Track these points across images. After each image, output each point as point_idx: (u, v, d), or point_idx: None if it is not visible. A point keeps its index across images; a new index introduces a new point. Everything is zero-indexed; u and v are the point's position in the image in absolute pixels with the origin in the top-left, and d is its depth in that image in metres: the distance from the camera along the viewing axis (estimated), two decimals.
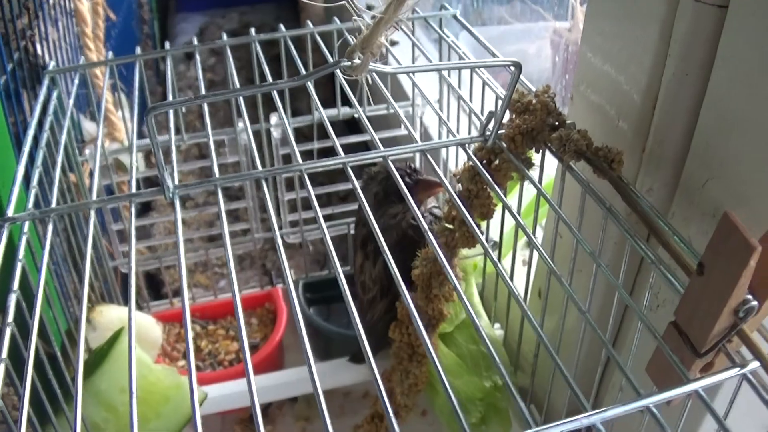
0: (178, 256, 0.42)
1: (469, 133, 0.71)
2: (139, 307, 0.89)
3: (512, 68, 0.47)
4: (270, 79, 0.63)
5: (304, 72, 0.45)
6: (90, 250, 0.45)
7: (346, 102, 0.73)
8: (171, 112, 0.58)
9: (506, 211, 0.48)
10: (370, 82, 0.45)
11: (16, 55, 0.79)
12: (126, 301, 0.41)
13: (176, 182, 0.47)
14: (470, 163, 0.51)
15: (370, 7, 0.39)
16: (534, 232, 0.50)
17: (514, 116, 0.49)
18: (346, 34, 0.70)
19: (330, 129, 0.54)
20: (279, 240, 0.42)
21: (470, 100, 0.67)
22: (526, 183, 0.49)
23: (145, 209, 1.40)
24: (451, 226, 0.55)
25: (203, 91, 0.59)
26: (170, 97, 0.62)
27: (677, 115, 0.44)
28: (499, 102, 0.57)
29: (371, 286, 0.70)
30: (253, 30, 0.73)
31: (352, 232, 0.79)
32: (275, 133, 0.83)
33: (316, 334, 0.81)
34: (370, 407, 0.72)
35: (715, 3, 0.39)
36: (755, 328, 0.33)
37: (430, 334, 0.62)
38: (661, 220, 0.40)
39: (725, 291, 0.30)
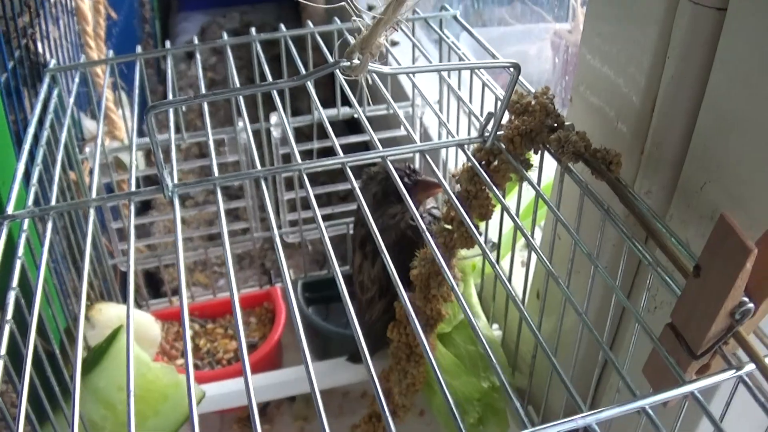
0: (176, 255, 0.42)
1: (469, 134, 0.71)
2: (138, 306, 0.90)
3: (511, 69, 0.47)
4: (270, 78, 0.63)
5: (304, 72, 0.45)
6: (89, 248, 0.45)
7: (346, 102, 0.73)
8: (171, 111, 0.58)
9: (505, 212, 0.48)
10: (370, 82, 0.45)
11: (17, 53, 0.79)
12: (125, 300, 0.41)
13: (176, 181, 0.47)
14: (469, 163, 0.51)
15: (371, 8, 0.39)
16: (532, 234, 0.50)
17: (513, 117, 0.49)
18: (347, 34, 0.71)
19: (329, 129, 0.54)
20: (277, 239, 0.42)
21: (470, 101, 0.67)
22: (525, 184, 0.49)
23: (145, 208, 1.40)
24: (449, 227, 0.55)
25: (204, 90, 0.59)
26: (170, 96, 0.63)
27: (676, 117, 0.44)
28: (499, 103, 0.57)
29: (370, 286, 0.70)
30: (253, 30, 0.73)
31: (352, 232, 0.80)
32: (275, 133, 0.83)
33: (314, 333, 0.81)
34: (368, 407, 0.72)
35: (713, 5, 0.39)
36: (751, 331, 0.33)
37: (428, 334, 0.62)
38: (658, 222, 0.40)
39: (722, 293, 0.30)
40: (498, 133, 0.50)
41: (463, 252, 0.66)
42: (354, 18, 0.40)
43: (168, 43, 0.72)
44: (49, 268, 0.62)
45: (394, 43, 1.16)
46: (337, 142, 0.51)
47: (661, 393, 0.32)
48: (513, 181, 0.53)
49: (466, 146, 0.51)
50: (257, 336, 0.86)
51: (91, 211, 0.47)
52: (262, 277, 0.98)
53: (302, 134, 0.89)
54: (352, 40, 0.41)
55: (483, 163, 0.51)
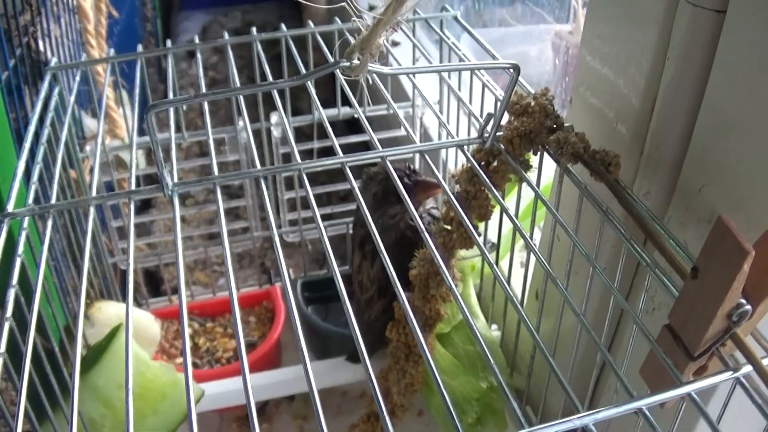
0: (176, 254, 0.42)
1: (469, 134, 0.71)
2: (138, 304, 0.90)
3: (511, 71, 0.47)
4: (271, 78, 0.63)
5: (304, 72, 0.45)
6: (89, 246, 0.45)
7: (346, 102, 0.73)
8: (172, 110, 0.59)
9: (504, 213, 0.48)
10: (370, 82, 0.45)
11: (18, 51, 0.79)
12: (125, 298, 0.41)
13: (176, 180, 0.47)
14: (468, 164, 0.51)
15: (371, 8, 0.40)
16: (532, 235, 0.50)
17: (512, 118, 0.49)
18: (347, 34, 0.71)
19: (329, 129, 0.54)
20: (276, 239, 0.42)
21: (470, 101, 0.67)
22: (525, 185, 0.49)
23: (145, 206, 1.40)
24: (448, 227, 0.55)
25: (204, 90, 0.59)
26: (171, 95, 0.63)
27: (675, 119, 0.44)
28: (498, 104, 0.57)
29: (369, 286, 0.70)
30: (254, 29, 0.73)
31: (351, 231, 0.80)
32: (275, 132, 0.83)
33: (313, 333, 0.81)
34: (367, 407, 0.72)
35: (713, 7, 0.39)
36: (749, 332, 0.33)
37: (426, 334, 0.62)
38: (657, 223, 0.40)
39: (719, 295, 0.30)
40: (497, 134, 0.50)
41: (463, 252, 0.66)
42: (354, 18, 0.40)
43: (169, 42, 0.73)
44: (49, 266, 0.62)
45: (395, 44, 1.16)
46: (336, 142, 0.52)
47: (659, 394, 0.32)
48: (512, 182, 0.53)
49: (465, 147, 0.51)
50: (256, 335, 0.87)
51: (91, 210, 0.47)
52: (262, 277, 0.98)
53: (302, 134, 0.90)
54: (352, 40, 0.41)
55: (482, 163, 0.52)
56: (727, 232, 0.29)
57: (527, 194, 0.62)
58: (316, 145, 0.84)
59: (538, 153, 0.49)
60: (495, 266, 0.42)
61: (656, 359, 0.35)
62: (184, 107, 0.90)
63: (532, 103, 0.48)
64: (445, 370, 0.66)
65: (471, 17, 1.26)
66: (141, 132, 1.03)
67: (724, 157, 0.41)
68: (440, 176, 0.49)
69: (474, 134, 0.52)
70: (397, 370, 0.64)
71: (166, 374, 0.60)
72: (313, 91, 0.60)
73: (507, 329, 0.69)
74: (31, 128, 0.57)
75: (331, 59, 0.59)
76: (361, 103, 0.64)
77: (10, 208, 0.47)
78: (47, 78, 0.65)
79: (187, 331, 0.38)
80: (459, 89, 0.69)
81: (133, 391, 0.35)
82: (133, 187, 0.50)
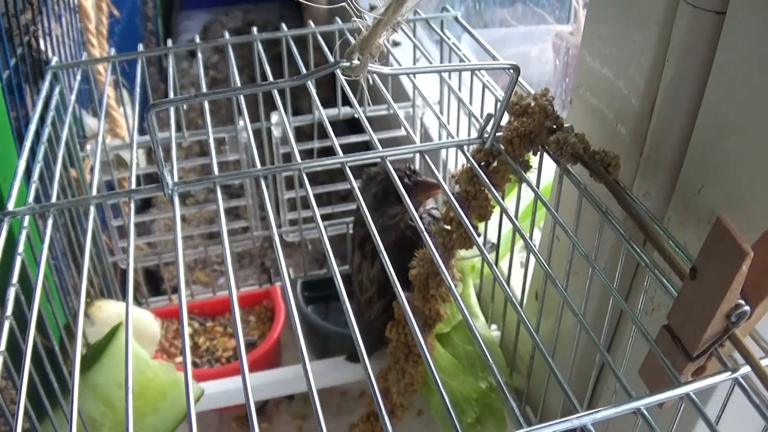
0: (176, 253, 0.42)
1: (469, 135, 0.71)
2: (138, 303, 0.90)
3: (511, 71, 0.47)
4: (271, 78, 0.63)
5: (305, 71, 0.45)
6: (89, 245, 0.45)
7: (346, 102, 0.73)
8: (172, 110, 0.59)
9: (504, 213, 0.48)
10: (370, 82, 0.46)
11: (19, 50, 0.80)
12: (125, 297, 0.41)
13: (176, 179, 0.47)
14: (468, 164, 0.51)
15: (372, 8, 0.40)
16: (531, 235, 0.50)
17: (512, 119, 0.49)
18: (347, 34, 0.71)
19: (329, 129, 0.54)
20: (276, 238, 0.43)
21: (470, 102, 0.67)
22: (525, 185, 0.49)
23: (145, 205, 1.40)
24: (448, 227, 0.55)
25: (205, 89, 0.59)
26: (172, 95, 0.63)
27: (675, 120, 0.44)
28: (498, 104, 0.57)
29: (369, 286, 0.70)
30: (255, 29, 0.73)
31: (351, 231, 0.80)
32: (276, 132, 0.83)
33: (313, 332, 0.82)
34: (366, 406, 0.72)
35: (713, 9, 0.39)
36: (747, 333, 0.33)
37: (426, 334, 0.62)
38: (656, 224, 0.40)
39: (718, 295, 0.31)
40: (497, 134, 0.50)
41: (463, 253, 0.66)
42: (354, 18, 0.40)
43: (170, 42, 0.73)
44: (49, 264, 0.62)
45: (395, 44, 1.16)
46: (337, 142, 0.52)
47: (657, 394, 0.32)
48: (512, 183, 0.53)
49: (465, 147, 0.51)
50: (256, 334, 0.87)
51: (92, 209, 0.47)
52: (262, 276, 0.98)
53: (303, 134, 0.90)
54: (352, 40, 0.41)
55: (482, 164, 0.52)
56: (725, 233, 0.29)
57: (527, 195, 0.62)
58: (316, 144, 0.84)
59: (538, 153, 0.49)
60: (494, 266, 0.42)
61: (655, 360, 0.35)
62: (185, 106, 0.90)
63: (532, 104, 0.48)
64: (445, 370, 0.66)
65: (472, 18, 1.26)
66: (141, 131, 1.03)
67: (724, 157, 0.41)
68: (440, 176, 0.49)
69: (474, 135, 0.52)
70: (397, 370, 0.64)
71: (165, 373, 0.60)
72: (313, 90, 0.60)
73: (506, 329, 0.69)
74: (32, 127, 0.57)
75: (331, 59, 0.59)
76: (361, 103, 0.64)
77: (10, 206, 0.47)
78: (48, 77, 0.65)
79: (187, 331, 0.38)
80: (459, 89, 0.69)
81: (132, 390, 0.35)
82: (134, 186, 0.50)
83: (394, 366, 0.64)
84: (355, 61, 0.41)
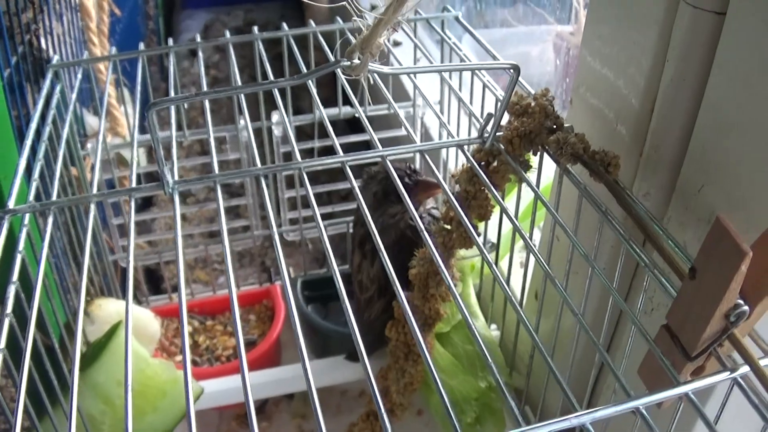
0: (176, 252, 0.42)
1: (470, 134, 0.71)
2: (138, 302, 0.90)
3: (511, 71, 0.47)
4: (272, 77, 0.63)
5: (305, 71, 0.45)
6: (89, 243, 0.45)
7: (347, 101, 0.73)
8: (173, 108, 0.59)
9: (504, 213, 0.48)
10: (371, 82, 0.46)
11: (20, 48, 0.80)
12: (125, 296, 0.41)
13: (176, 178, 0.47)
14: (468, 164, 0.51)
15: (373, 8, 0.40)
16: (531, 235, 0.50)
17: (512, 119, 0.49)
18: (348, 33, 0.71)
19: (330, 128, 0.54)
20: (277, 237, 0.43)
21: (471, 102, 0.67)
22: (525, 185, 0.49)
23: (146, 204, 1.40)
24: (448, 227, 0.55)
25: (206, 88, 0.59)
26: (173, 94, 0.63)
27: (674, 120, 0.44)
28: (499, 104, 0.57)
29: (369, 285, 0.70)
30: (256, 28, 0.73)
31: (351, 231, 0.80)
32: (276, 131, 0.83)
33: (313, 331, 0.82)
34: (366, 405, 0.72)
35: (713, 9, 0.39)
36: (746, 333, 0.33)
37: (426, 333, 0.62)
38: (656, 224, 0.40)
39: (717, 295, 0.31)
40: (497, 134, 0.50)
41: (463, 252, 0.66)
42: (355, 18, 0.40)
43: (171, 41, 0.73)
44: (50, 263, 0.62)
45: (396, 44, 1.16)
46: (337, 141, 0.52)
47: (656, 394, 0.32)
48: (512, 182, 0.53)
49: (465, 147, 0.52)
50: (256, 333, 0.87)
51: (92, 207, 0.48)
52: (262, 275, 0.98)
53: (303, 133, 0.90)
54: (353, 39, 0.42)
55: (482, 163, 0.52)
56: (725, 233, 0.29)
57: (527, 194, 0.62)
58: (317, 144, 0.84)
59: (538, 153, 0.49)
60: (494, 266, 0.42)
61: (654, 359, 0.35)
62: (186, 105, 0.90)
63: (533, 104, 0.48)
64: (444, 370, 0.66)
65: (473, 18, 1.26)
66: (142, 130, 1.03)
67: (724, 157, 0.41)
68: (440, 176, 0.49)
69: (474, 134, 0.52)
70: (397, 370, 0.64)
71: (165, 372, 0.60)
72: (314, 90, 0.60)
73: (506, 329, 0.69)
74: (33, 125, 0.57)
75: (332, 59, 0.59)
76: (362, 103, 0.64)
77: (11, 204, 0.47)
78: (49, 75, 0.65)
79: (187, 329, 0.38)
80: (460, 89, 0.69)
81: (132, 389, 0.35)
82: (134, 184, 0.50)
83: (394, 365, 0.64)
84: (356, 61, 0.41)
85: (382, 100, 0.78)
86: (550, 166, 0.50)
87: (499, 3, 1.21)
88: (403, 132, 0.85)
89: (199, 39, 0.73)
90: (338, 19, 0.74)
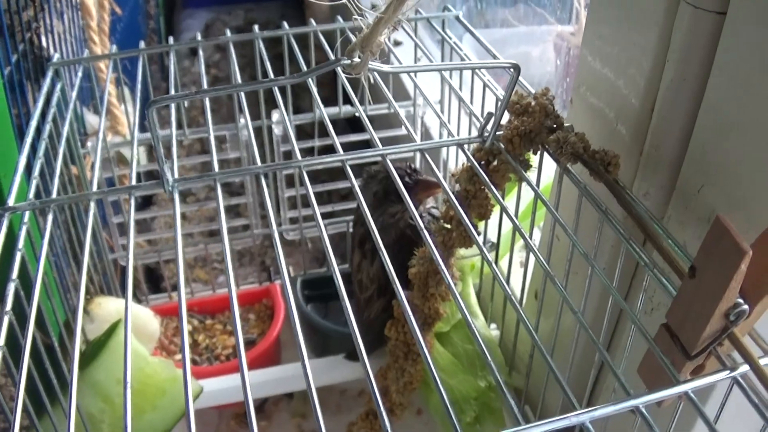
0: (175, 250, 0.42)
1: (470, 134, 0.71)
2: (138, 301, 0.90)
3: (511, 70, 0.47)
4: (272, 76, 0.63)
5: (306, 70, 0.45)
6: (89, 241, 0.45)
7: (348, 101, 0.73)
8: (173, 107, 0.59)
9: (504, 213, 0.48)
10: (371, 81, 0.46)
11: (21, 46, 0.80)
12: (124, 294, 0.41)
13: (176, 176, 0.47)
14: (468, 163, 0.51)
15: (374, 7, 0.40)
16: (531, 234, 0.50)
17: (512, 118, 0.49)
18: (348, 32, 0.71)
19: (330, 127, 0.54)
20: (277, 236, 0.43)
21: (471, 101, 0.67)
22: (525, 184, 0.49)
23: (146, 203, 1.40)
24: (448, 226, 0.55)
25: (206, 87, 0.59)
26: (172, 92, 0.63)
27: (675, 120, 0.44)
28: (499, 103, 0.57)
29: (368, 285, 0.70)
30: (256, 27, 0.73)
31: (351, 230, 0.80)
32: (276, 130, 0.83)
33: (313, 331, 0.82)
34: (365, 405, 0.72)
35: (713, 9, 0.39)
36: (746, 332, 0.33)
37: (425, 333, 0.62)
38: (656, 223, 0.40)
39: (716, 294, 0.31)
40: (497, 133, 0.50)
41: (463, 252, 0.66)
42: (354, 16, 0.40)
43: (171, 39, 0.73)
44: (50, 261, 0.62)
45: (397, 43, 1.16)
46: (337, 140, 0.52)
47: (656, 392, 0.32)
48: (512, 182, 0.53)
49: (465, 146, 0.51)
50: (256, 332, 0.87)
51: (92, 204, 0.47)
52: (262, 274, 0.98)
53: (304, 132, 0.90)
54: (354, 38, 0.41)
55: (482, 163, 0.52)
56: (725, 232, 0.29)
57: (527, 194, 0.62)
58: (317, 143, 0.84)
59: (538, 152, 0.49)
60: (494, 266, 0.42)
61: (654, 358, 0.35)
62: (186, 104, 0.90)
63: (533, 103, 0.48)
64: (444, 369, 0.66)
65: (473, 18, 1.26)
66: (142, 129, 1.03)
67: (724, 157, 0.41)
68: (440, 175, 0.49)
69: (474, 134, 0.52)
70: (396, 369, 0.64)
71: (165, 370, 0.60)
72: (314, 88, 0.60)
73: (506, 328, 0.69)
74: (33, 123, 0.57)
75: (332, 58, 0.59)
76: (362, 102, 0.64)
77: (11, 202, 0.47)
78: (49, 74, 0.65)
79: (187, 328, 0.38)
80: (460, 89, 0.69)
81: (132, 387, 0.35)
82: (134, 182, 0.50)
83: (394, 365, 0.64)
84: (356, 59, 0.41)
85: (382, 99, 0.78)
86: (550, 166, 0.50)
87: (499, 3, 1.21)
88: (403, 131, 0.85)
89: (199, 38, 0.73)
90: (339, 18, 0.74)
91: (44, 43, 0.88)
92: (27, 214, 0.47)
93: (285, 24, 0.74)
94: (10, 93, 0.74)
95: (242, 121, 0.79)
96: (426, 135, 0.94)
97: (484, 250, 0.43)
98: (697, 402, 0.32)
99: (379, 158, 0.50)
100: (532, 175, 0.50)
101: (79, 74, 0.68)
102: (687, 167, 0.44)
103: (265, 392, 0.82)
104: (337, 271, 0.40)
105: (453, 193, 0.50)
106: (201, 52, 0.69)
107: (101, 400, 0.58)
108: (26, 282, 0.43)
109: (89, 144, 0.81)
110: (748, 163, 0.39)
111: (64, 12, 0.98)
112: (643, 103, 0.46)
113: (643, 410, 0.31)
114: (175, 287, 1.01)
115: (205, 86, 0.62)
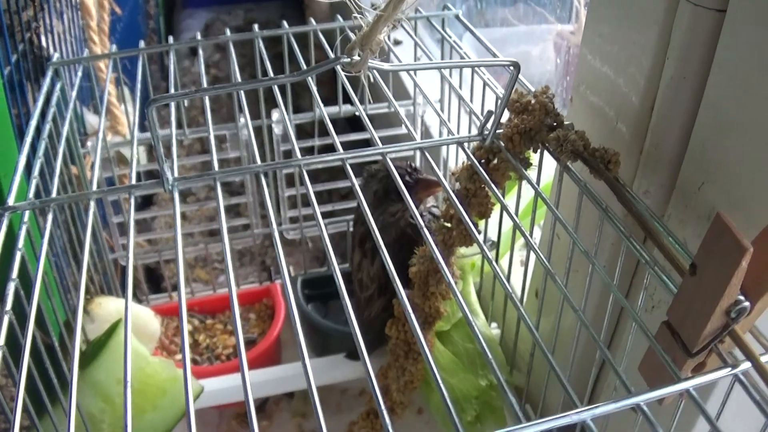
0: (175, 250, 0.42)
1: (470, 132, 0.71)
2: (138, 301, 0.90)
3: (511, 68, 0.47)
4: (272, 75, 0.63)
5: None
6: (89, 240, 0.45)
7: (347, 100, 0.73)
8: (173, 106, 0.59)
9: (504, 211, 0.48)
10: (371, 80, 0.46)
11: (20, 46, 0.80)
12: (125, 294, 0.41)
13: (176, 175, 0.47)
14: (469, 162, 0.51)
15: (374, 5, 0.40)
16: (531, 233, 0.50)
17: (512, 116, 0.49)
18: (348, 31, 0.71)
19: (330, 126, 0.54)
20: (277, 236, 0.43)
21: (471, 99, 0.67)
22: (525, 183, 0.49)
23: (146, 203, 1.40)
24: (449, 225, 0.55)
25: (206, 86, 0.59)
26: (172, 91, 0.63)
27: (675, 118, 0.44)
28: (499, 101, 0.57)
29: (369, 284, 0.70)
30: (256, 26, 0.73)
31: (352, 229, 0.80)
32: (276, 130, 0.83)
33: (313, 330, 0.82)
34: (366, 404, 0.72)
35: (713, 7, 0.39)
36: (747, 329, 0.33)
37: (426, 331, 0.62)
38: (656, 221, 0.40)
39: (717, 291, 0.30)
40: (498, 131, 0.50)
41: (463, 250, 0.66)
42: (355, 15, 0.40)
43: (171, 39, 0.73)
44: (50, 261, 0.62)
45: (397, 42, 1.16)
46: (337, 139, 0.52)
47: (657, 390, 0.32)
48: (513, 180, 0.53)
49: (465, 144, 0.51)
50: (256, 332, 0.87)
51: (92, 204, 0.47)
52: (262, 274, 0.98)
53: (304, 131, 0.90)
54: (353, 37, 0.41)
55: (482, 161, 0.52)
56: (725, 229, 0.29)
57: (527, 192, 0.62)
58: (317, 142, 0.84)
59: (538, 151, 0.49)
60: (495, 264, 0.42)
61: (655, 356, 0.35)
62: (186, 103, 0.90)
63: (533, 101, 0.48)
64: (445, 368, 0.66)
65: (473, 17, 1.26)
66: (142, 128, 1.03)
67: (724, 155, 0.41)
68: (440, 174, 0.49)
69: (474, 132, 0.52)
70: (397, 368, 0.64)
71: (165, 370, 0.60)
72: (314, 87, 0.60)
73: (506, 327, 0.69)
74: (33, 123, 0.57)
75: (332, 56, 0.59)
76: (362, 101, 0.64)
77: (10, 201, 0.47)
78: (49, 73, 0.65)
79: (187, 328, 0.38)
80: (460, 87, 0.69)
81: (132, 387, 0.35)
82: (134, 182, 0.50)
83: (394, 364, 0.64)
84: (356, 57, 0.41)
85: (382, 98, 0.78)
86: (550, 164, 0.50)
87: (499, 2, 1.21)
88: (403, 130, 0.85)
89: (199, 37, 0.73)
90: (338, 17, 0.74)
91: (44, 43, 0.88)
92: (27, 213, 0.47)
93: (285, 23, 0.74)
94: (10, 93, 0.74)
95: (242, 120, 0.79)
96: (426, 134, 0.94)
97: (485, 248, 0.43)
98: (698, 399, 0.32)
99: (379, 157, 0.50)
100: (532, 173, 0.50)
101: (79, 74, 0.68)
102: (687, 165, 0.44)
103: (266, 392, 0.82)
104: (338, 270, 0.40)
105: (453, 191, 0.50)
106: (201, 52, 0.69)
107: (102, 399, 0.58)
108: (26, 281, 0.43)
109: (89, 144, 0.81)
110: (748, 161, 0.39)
111: (63, 12, 0.98)
112: (643, 102, 0.46)
113: (645, 408, 0.31)
114: (176, 287, 1.01)
115: (205, 86, 0.62)
